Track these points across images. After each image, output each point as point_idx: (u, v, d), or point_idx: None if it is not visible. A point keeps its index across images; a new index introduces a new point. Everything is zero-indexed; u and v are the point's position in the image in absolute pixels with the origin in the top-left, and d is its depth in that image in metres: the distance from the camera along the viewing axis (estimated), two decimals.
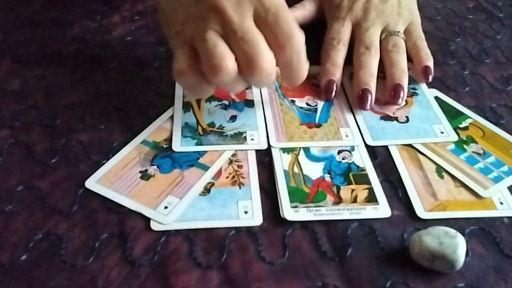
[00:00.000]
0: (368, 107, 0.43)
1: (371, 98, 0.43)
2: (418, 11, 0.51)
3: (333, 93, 0.44)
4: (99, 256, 0.33)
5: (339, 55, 0.46)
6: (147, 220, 0.35)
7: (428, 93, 0.46)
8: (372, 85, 0.43)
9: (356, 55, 0.46)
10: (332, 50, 0.47)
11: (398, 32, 0.48)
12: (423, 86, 0.47)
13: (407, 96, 0.46)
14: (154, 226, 0.34)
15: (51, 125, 0.42)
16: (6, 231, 0.34)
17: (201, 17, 0.35)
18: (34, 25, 0.54)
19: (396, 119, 0.43)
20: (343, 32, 0.48)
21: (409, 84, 0.47)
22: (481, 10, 0.59)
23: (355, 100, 0.44)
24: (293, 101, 0.45)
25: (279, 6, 0.35)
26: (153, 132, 0.41)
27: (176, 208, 0.35)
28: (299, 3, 0.53)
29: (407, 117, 0.43)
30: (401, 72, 0.44)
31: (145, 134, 0.41)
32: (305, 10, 0.52)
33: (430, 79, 0.46)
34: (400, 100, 0.43)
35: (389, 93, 0.44)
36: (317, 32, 0.54)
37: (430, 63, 0.46)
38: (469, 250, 0.33)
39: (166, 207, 0.35)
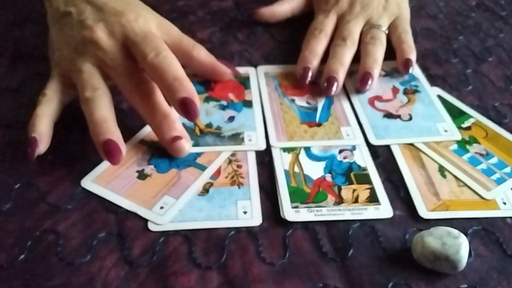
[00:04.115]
0: (331, 93, 0.44)
1: (337, 85, 0.44)
2: (407, 5, 0.52)
3: (308, 80, 0.45)
4: (98, 256, 0.32)
5: (319, 44, 0.47)
6: (145, 220, 0.34)
7: (430, 90, 0.46)
8: (340, 74, 0.44)
9: (332, 46, 0.47)
10: (313, 39, 0.47)
11: (380, 25, 0.48)
12: (425, 83, 0.47)
13: (409, 94, 0.45)
14: (152, 226, 0.34)
15: None
16: (4, 231, 0.34)
17: (77, 51, 0.39)
18: (32, 22, 0.53)
19: (399, 117, 0.43)
20: (326, 23, 0.49)
21: (410, 81, 0.47)
22: (484, 9, 0.59)
23: (322, 87, 0.44)
24: (293, 100, 0.44)
25: (147, 32, 0.39)
26: (152, 131, 0.41)
27: (172, 208, 0.35)
28: None
29: (410, 115, 0.43)
30: (373, 61, 0.45)
31: (143, 133, 0.41)
32: (293, 3, 0.53)
33: (410, 71, 0.46)
34: (367, 87, 0.44)
35: (358, 80, 0.45)
36: None
37: (412, 56, 0.46)
38: (472, 251, 0.33)
39: (162, 207, 0.35)
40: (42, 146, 0.37)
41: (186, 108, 0.36)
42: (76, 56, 0.39)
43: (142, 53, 0.38)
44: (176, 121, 0.38)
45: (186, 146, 0.38)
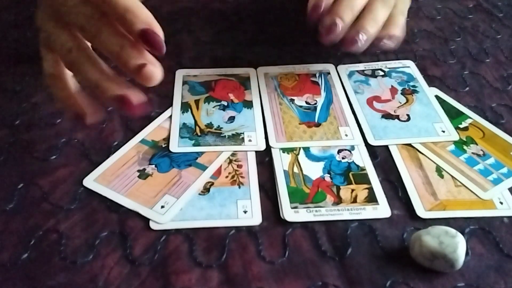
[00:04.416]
0: (357, 47, 0.41)
1: (364, 39, 0.40)
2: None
3: (321, 10, 0.41)
4: (100, 255, 0.33)
5: None
6: (147, 219, 0.35)
7: (428, 91, 0.46)
8: (370, 29, 0.40)
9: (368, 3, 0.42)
10: None
11: None
12: (423, 83, 0.47)
13: (407, 94, 0.46)
14: (153, 225, 0.34)
15: (51, 124, 0.42)
16: (7, 231, 0.34)
17: (46, 15, 0.37)
18: (33, 23, 0.54)
19: (397, 117, 0.43)
20: None
21: (408, 81, 0.47)
22: (481, 10, 0.59)
23: (347, 42, 0.41)
24: (292, 100, 0.45)
25: None
26: (152, 131, 0.41)
27: (172, 207, 0.35)
28: None
29: (408, 115, 0.43)
30: (371, 19, 0.41)
31: (144, 133, 0.41)
32: None
33: (393, 45, 0.43)
34: (353, 47, 0.41)
35: (346, 37, 0.41)
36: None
37: (396, 32, 0.42)
38: (469, 250, 0.33)
39: (162, 207, 0.35)
40: (89, 117, 0.35)
41: (147, 40, 0.32)
42: (45, 21, 0.37)
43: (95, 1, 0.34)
44: (138, 48, 0.33)
45: (156, 72, 0.33)
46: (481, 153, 0.40)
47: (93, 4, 0.35)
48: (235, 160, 0.39)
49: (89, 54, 0.34)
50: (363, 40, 0.41)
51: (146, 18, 0.32)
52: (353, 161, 0.39)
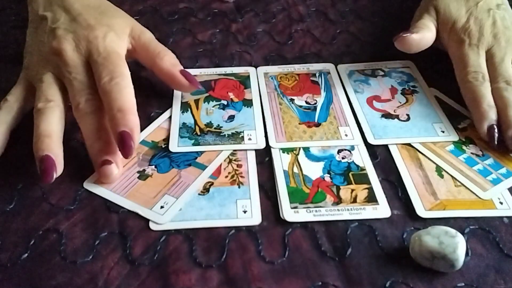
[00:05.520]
0: None
1: None
2: None
3: (496, 139, 0.40)
4: (100, 256, 0.33)
5: (489, 91, 0.42)
6: (147, 219, 0.35)
7: (428, 91, 0.46)
8: None
9: (496, 90, 0.41)
10: (481, 86, 0.42)
11: None
12: (422, 83, 0.47)
13: (407, 94, 0.46)
14: (153, 226, 0.34)
15: None
16: (7, 230, 0.34)
17: (44, 59, 0.40)
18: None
19: (397, 117, 0.43)
20: (482, 63, 0.43)
21: (408, 81, 0.47)
22: None
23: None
24: (292, 100, 0.45)
25: (111, 52, 0.39)
26: (152, 132, 0.41)
27: (172, 207, 0.35)
28: (419, 22, 0.46)
29: (407, 115, 0.43)
30: None
31: (144, 134, 0.41)
32: (430, 32, 0.46)
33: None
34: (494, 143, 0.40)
35: (505, 136, 0.40)
36: (317, 30, 0.54)
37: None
38: (469, 250, 0.33)
39: (162, 207, 0.35)
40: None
41: (122, 142, 0.35)
42: (42, 64, 0.40)
43: (99, 75, 0.38)
44: (110, 145, 0.37)
45: (115, 171, 0.37)
46: (480, 153, 0.40)
47: (95, 85, 0.38)
48: (234, 160, 0.39)
49: (58, 117, 0.38)
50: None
51: (131, 123, 0.36)
52: (353, 161, 0.39)
